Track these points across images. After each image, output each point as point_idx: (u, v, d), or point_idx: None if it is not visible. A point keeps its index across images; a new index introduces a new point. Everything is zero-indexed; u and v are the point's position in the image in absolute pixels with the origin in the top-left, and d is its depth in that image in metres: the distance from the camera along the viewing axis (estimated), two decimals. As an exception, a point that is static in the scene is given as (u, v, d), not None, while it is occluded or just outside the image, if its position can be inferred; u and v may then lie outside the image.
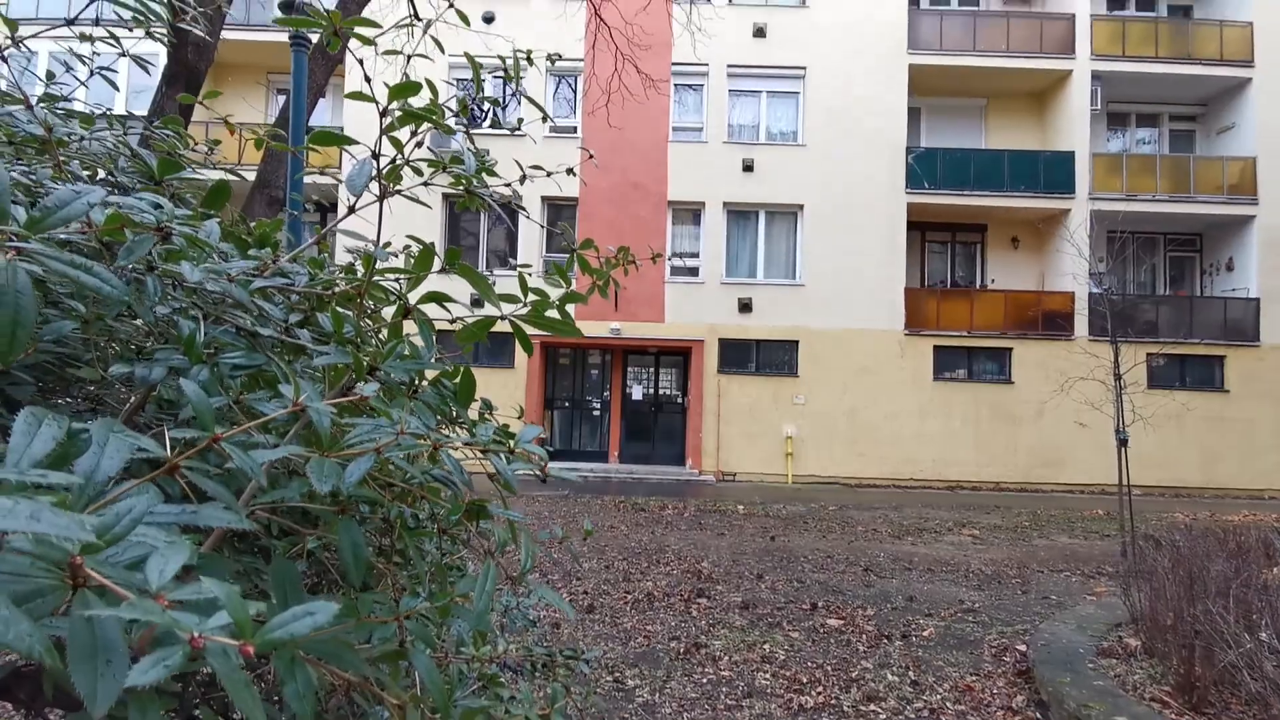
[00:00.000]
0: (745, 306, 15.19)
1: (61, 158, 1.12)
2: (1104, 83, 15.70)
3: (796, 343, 15.23)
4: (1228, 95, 16.22)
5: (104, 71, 1.47)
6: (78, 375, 0.96)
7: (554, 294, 1.16)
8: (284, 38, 14.11)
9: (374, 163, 0.82)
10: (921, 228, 16.38)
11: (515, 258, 15.50)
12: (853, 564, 7.34)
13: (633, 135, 14.60)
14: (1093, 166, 15.43)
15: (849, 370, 15.11)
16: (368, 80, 0.85)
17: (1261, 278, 15.27)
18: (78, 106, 1.44)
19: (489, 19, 14.80)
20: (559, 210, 15.77)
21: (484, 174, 1.24)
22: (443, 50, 1.08)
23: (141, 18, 0.99)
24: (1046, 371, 14.54)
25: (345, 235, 0.99)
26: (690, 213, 15.80)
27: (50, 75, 1.36)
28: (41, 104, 1.37)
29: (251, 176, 5.57)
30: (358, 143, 0.86)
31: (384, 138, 0.85)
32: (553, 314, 1.14)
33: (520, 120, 1.26)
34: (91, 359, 0.96)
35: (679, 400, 15.95)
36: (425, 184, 1.13)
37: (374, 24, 0.78)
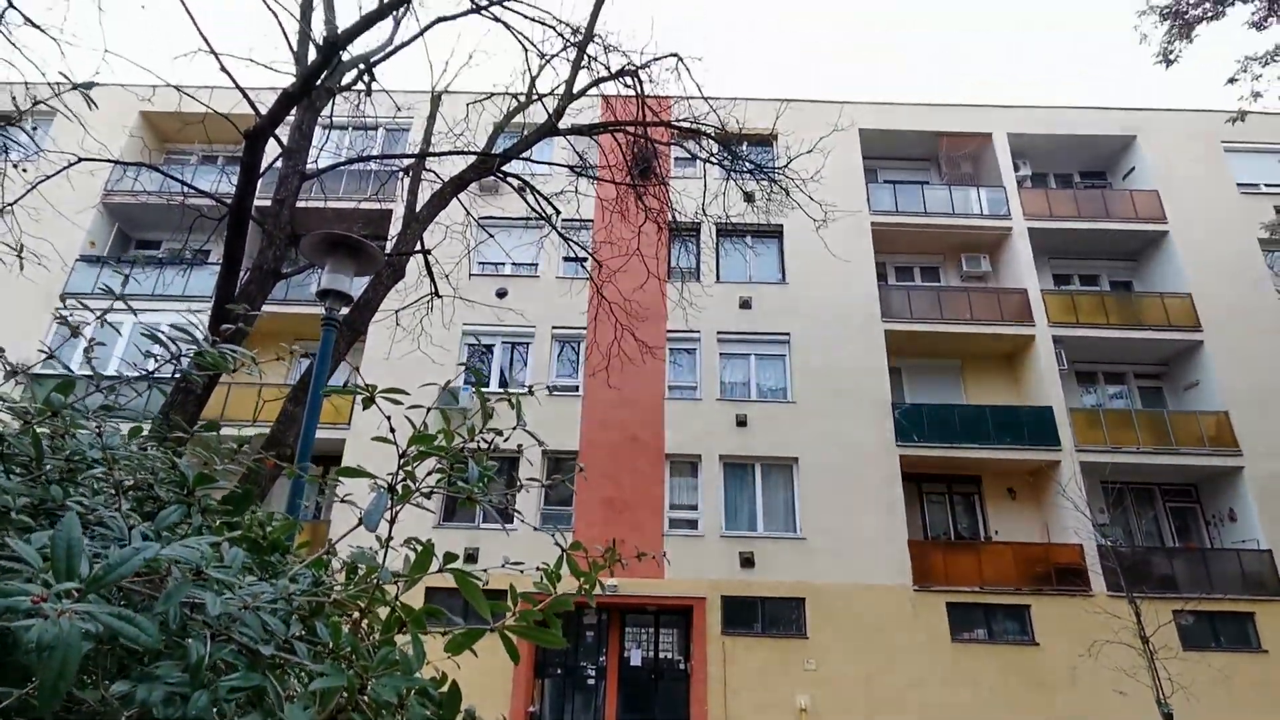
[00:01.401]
0: (747, 561, 14.77)
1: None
2: (1065, 346, 16.95)
3: (803, 600, 14.51)
4: (1185, 356, 17.37)
5: (157, 380, 1.69)
6: (79, 695, 0.99)
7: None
8: (310, 310, 15.58)
9: (389, 497, 0.95)
10: (917, 479, 16.53)
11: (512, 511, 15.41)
12: None
13: (631, 393, 15.39)
14: (1072, 421, 16.01)
15: (861, 630, 14.20)
16: (392, 431, 1.02)
17: (1266, 529, 15.04)
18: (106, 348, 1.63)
19: (502, 294, 16.49)
20: (559, 462, 16.05)
21: (485, 480, 1.38)
22: (465, 418, 1.28)
23: (220, 364, 1.19)
24: (1070, 631, 13.68)
25: (354, 549, 1.09)
26: (688, 464, 16.07)
27: (111, 422, 1.56)
28: (103, 408, 1.56)
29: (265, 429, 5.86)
30: (376, 477, 1.00)
31: (400, 471, 0.99)
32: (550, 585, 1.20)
33: (520, 447, 1.43)
34: (95, 676, 0.99)
35: (681, 666, 14.74)
36: (430, 496, 1.26)
37: (404, 391, 0.97)
